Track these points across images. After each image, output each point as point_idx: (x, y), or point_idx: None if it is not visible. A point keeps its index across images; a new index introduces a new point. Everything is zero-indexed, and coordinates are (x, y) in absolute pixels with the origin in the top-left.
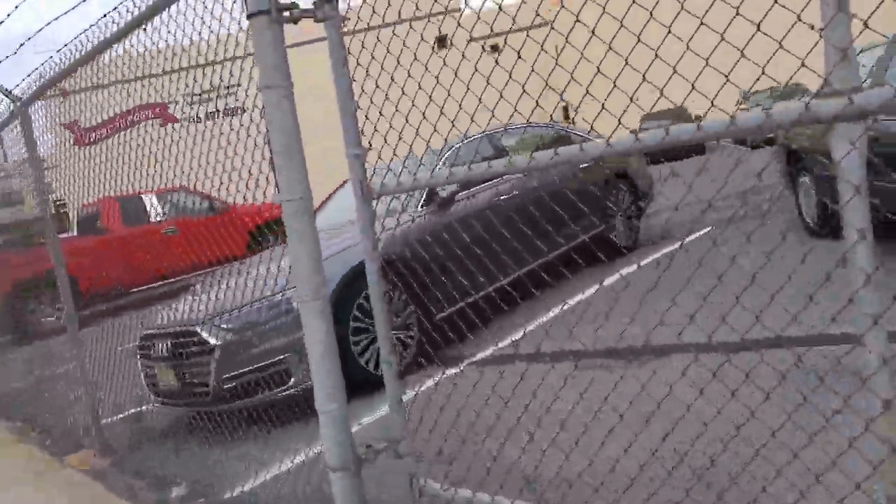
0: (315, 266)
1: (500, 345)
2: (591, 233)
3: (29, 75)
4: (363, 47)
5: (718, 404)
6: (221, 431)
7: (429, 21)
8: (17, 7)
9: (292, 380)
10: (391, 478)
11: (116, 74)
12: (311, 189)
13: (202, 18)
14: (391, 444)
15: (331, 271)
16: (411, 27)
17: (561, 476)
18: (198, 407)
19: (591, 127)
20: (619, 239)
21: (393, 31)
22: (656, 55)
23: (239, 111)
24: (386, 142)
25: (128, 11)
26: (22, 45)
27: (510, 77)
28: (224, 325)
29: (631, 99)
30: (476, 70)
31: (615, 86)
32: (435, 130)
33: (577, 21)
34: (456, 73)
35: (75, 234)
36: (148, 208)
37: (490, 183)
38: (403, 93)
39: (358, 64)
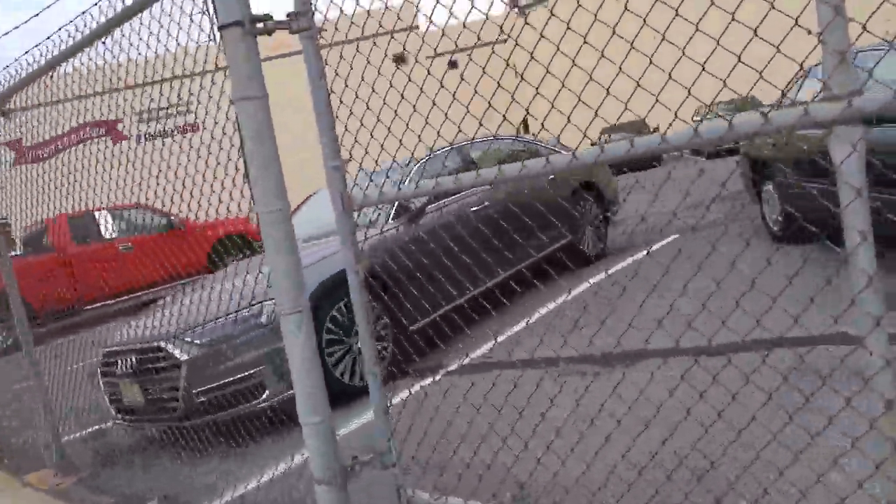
0: (295, 277)
1: (475, 354)
2: (561, 242)
3: None
4: (342, 58)
5: (697, 405)
6: (191, 446)
7: (392, 37)
8: None
9: (266, 393)
10: (377, 489)
11: (66, 91)
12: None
13: (157, 36)
14: (377, 456)
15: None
16: (375, 43)
17: (554, 482)
18: (166, 423)
19: (559, 139)
20: (588, 248)
21: (357, 48)
22: (621, 69)
23: (193, 128)
24: (351, 156)
25: (86, 25)
26: None
27: (476, 92)
28: (191, 340)
29: (596, 113)
30: (442, 85)
31: (580, 99)
32: (401, 144)
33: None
34: (422, 89)
35: (19, 253)
36: (101, 225)
37: (459, 195)
38: (368, 107)
39: (336, 74)
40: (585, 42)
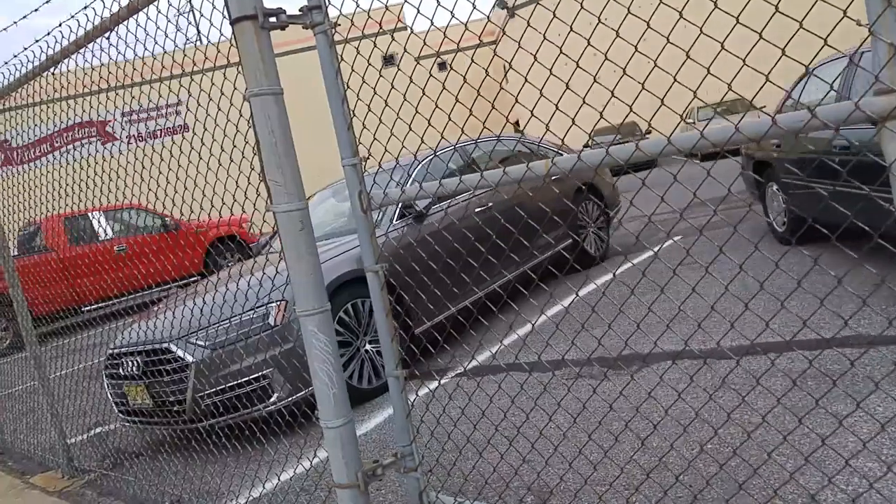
0: (315, 277)
1: (482, 357)
2: (564, 243)
3: None
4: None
5: (698, 406)
6: (203, 448)
7: (393, 38)
8: None
9: (274, 396)
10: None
11: (60, 92)
12: None
13: (154, 37)
14: (399, 460)
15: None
16: (375, 43)
17: (564, 485)
18: (173, 425)
19: (563, 141)
20: (591, 249)
21: (357, 48)
22: (626, 72)
23: (182, 129)
24: (370, 154)
25: (88, 20)
26: None
27: (479, 94)
28: (199, 342)
29: (601, 115)
30: (445, 88)
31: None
32: (403, 146)
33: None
34: (419, 90)
35: (14, 255)
36: (96, 227)
37: (462, 196)
38: (369, 109)
39: (353, 71)
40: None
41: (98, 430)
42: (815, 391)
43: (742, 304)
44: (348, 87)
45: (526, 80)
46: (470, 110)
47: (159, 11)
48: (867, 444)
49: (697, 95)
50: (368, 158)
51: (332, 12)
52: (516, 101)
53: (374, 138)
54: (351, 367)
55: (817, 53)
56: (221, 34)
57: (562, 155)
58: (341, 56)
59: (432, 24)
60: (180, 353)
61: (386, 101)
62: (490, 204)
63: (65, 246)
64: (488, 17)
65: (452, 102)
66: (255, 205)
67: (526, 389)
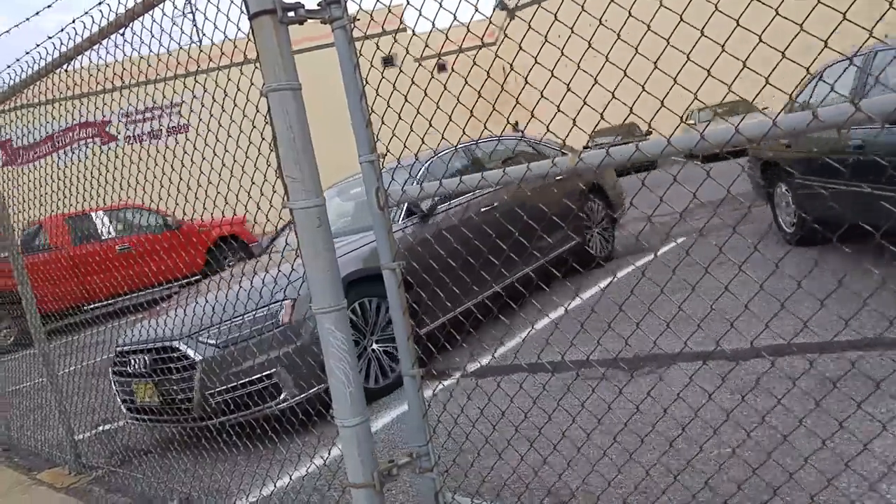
0: (332, 274)
1: (489, 357)
2: (569, 245)
3: None
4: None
5: (725, 410)
6: (212, 446)
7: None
8: None
9: (283, 394)
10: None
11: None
12: None
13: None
14: (414, 459)
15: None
16: (378, 46)
17: (586, 487)
18: (180, 423)
19: (564, 141)
20: (596, 251)
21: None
22: (627, 73)
23: (183, 128)
24: (388, 151)
25: (93, 22)
26: None
27: (479, 94)
28: (206, 340)
29: (601, 116)
30: (471, 86)
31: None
32: (423, 143)
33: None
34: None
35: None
36: (98, 226)
37: (468, 196)
38: (388, 105)
39: (371, 65)
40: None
41: (105, 427)
42: (855, 394)
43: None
44: (367, 82)
45: (526, 81)
46: (472, 113)
47: (175, 7)
48: None
49: (698, 97)
50: (386, 155)
51: (351, 8)
52: (517, 102)
53: (394, 134)
54: (358, 368)
55: (817, 56)
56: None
57: (565, 155)
58: (360, 50)
59: (434, 26)
60: (188, 351)
61: (406, 97)
62: (495, 204)
63: (68, 245)
64: (490, 19)
65: (464, 101)
66: (258, 204)
67: (548, 390)
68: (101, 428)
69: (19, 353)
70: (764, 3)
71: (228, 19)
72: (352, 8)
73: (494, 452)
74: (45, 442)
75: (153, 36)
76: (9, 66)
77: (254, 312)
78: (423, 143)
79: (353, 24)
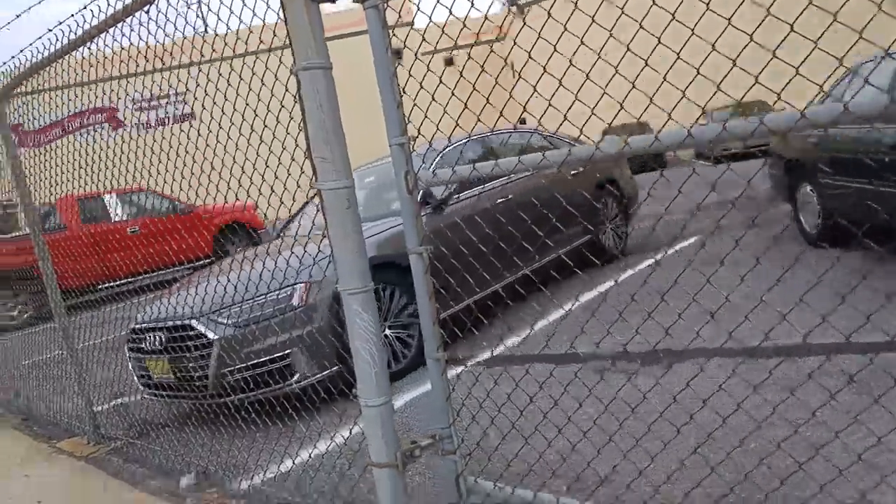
0: (361, 256)
1: (501, 347)
2: (583, 238)
3: (4, 64)
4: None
5: (771, 403)
6: (229, 422)
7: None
8: None
9: (296, 375)
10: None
11: (81, 75)
12: None
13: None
14: (437, 441)
15: (330, 266)
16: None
17: (609, 476)
18: (194, 399)
19: (581, 131)
20: (609, 246)
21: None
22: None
23: (189, 117)
24: (420, 133)
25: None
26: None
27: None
28: (222, 320)
29: (622, 105)
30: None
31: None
32: (457, 125)
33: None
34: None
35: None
36: (108, 208)
37: (482, 187)
38: (421, 86)
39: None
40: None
41: (119, 400)
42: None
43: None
44: (400, 63)
45: (535, 88)
46: (488, 101)
47: None
48: None
49: (720, 88)
50: (417, 138)
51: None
52: (524, 106)
53: (426, 116)
54: (382, 348)
55: (848, 51)
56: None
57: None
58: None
59: (436, 25)
60: (203, 329)
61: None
62: (509, 196)
63: (79, 225)
64: (486, 15)
65: (474, 96)
66: (272, 187)
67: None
68: (118, 400)
69: (38, 326)
70: None
71: (244, 5)
72: None
73: (519, 438)
74: (65, 412)
75: (168, 19)
76: (31, 44)
77: (266, 294)
78: (436, 130)
79: (385, 4)
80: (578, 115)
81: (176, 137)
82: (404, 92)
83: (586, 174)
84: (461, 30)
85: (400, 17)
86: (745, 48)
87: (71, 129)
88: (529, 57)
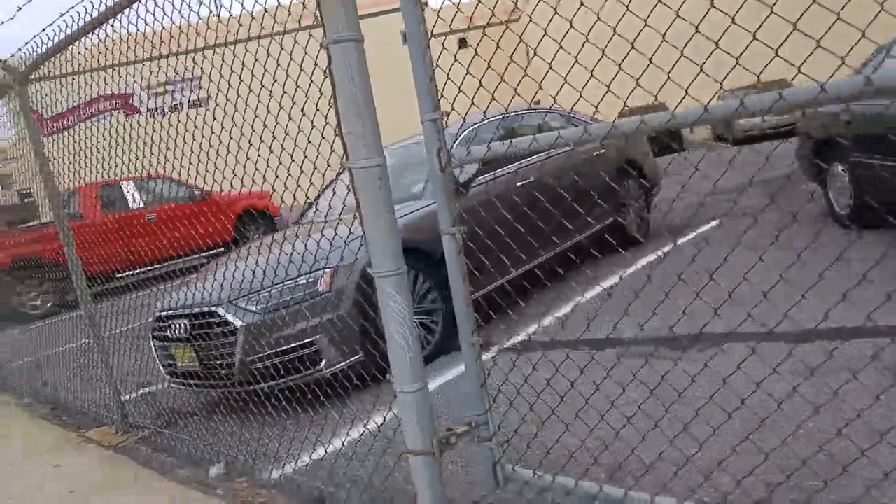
0: (393, 236)
1: (526, 332)
2: (606, 222)
3: (20, 49)
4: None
5: (830, 388)
6: (259, 410)
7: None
8: None
9: (323, 362)
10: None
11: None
12: None
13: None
14: (473, 428)
15: (354, 252)
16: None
17: (647, 461)
18: (220, 388)
19: (597, 109)
20: (632, 229)
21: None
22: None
23: (204, 102)
24: (453, 108)
25: None
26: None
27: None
28: (247, 307)
29: (639, 95)
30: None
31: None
32: (493, 98)
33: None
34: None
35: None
36: (126, 195)
37: (506, 168)
38: (455, 59)
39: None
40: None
41: (146, 389)
42: None
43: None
44: (433, 35)
45: (550, 66)
46: (504, 81)
47: None
48: None
49: (739, 62)
50: (451, 113)
51: None
52: (540, 84)
53: (459, 90)
54: (416, 332)
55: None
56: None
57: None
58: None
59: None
60: (228, 316)
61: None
62: (531, 178)
63: (99, 213)
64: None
65: (490, 76)
66: (289, 171)
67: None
68: (145, 389)
69: (60, 315)
70: None
71: None
72: None
73: (558, 425)
74: (92, 402)
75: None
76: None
77: (291, 280)
78: (451, 109)
79: None
80: (595, 94)
81: (192, 121)
82: (438, 65)
83: (608, 156)
84: (476, 7)
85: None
86: (765, 20)
87: (86, 115)
88: (545, 34)
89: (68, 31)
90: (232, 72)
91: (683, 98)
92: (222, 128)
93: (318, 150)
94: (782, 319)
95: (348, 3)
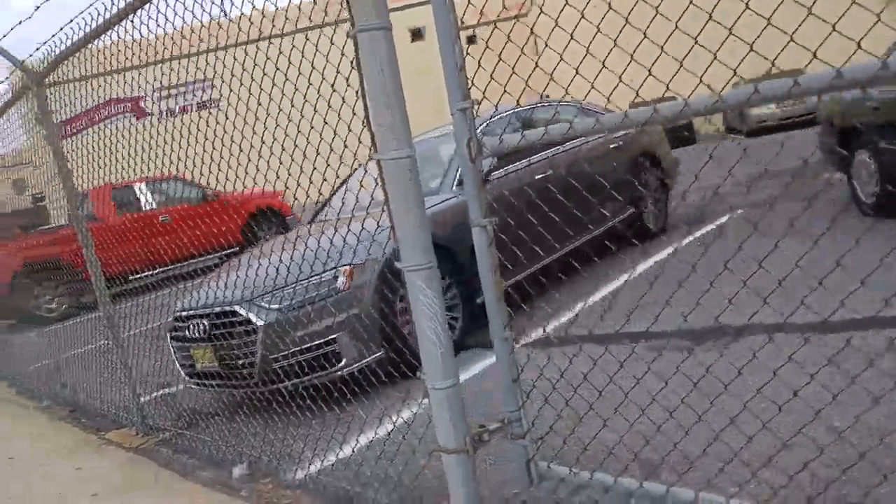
0: (423, 230)
1: (548, 327)
2: (624, 215)
3: (38, 49)
4: None
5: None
6: (283, 410)
7: None
8: None
9: (343, 360)
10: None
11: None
12: None
13: None
14: (506, 425)
15: (373, 249)
16: None
17: (679, 456)
18: (240, 388)
19: (608, 100)
20: (649, 221)
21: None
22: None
23: (216, 102)
24: (485, 96)
25: None
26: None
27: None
28: (267, 305)
29: (651, 87)
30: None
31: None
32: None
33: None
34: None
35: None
36: (138, 196)
37: (523, 162)
38: (487, 46)
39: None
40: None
41: (167, 390)
42: None
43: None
44: (463, 21)
45: (561, 56)
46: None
47: None
48: None
49: (753, 48)
50: (481, 102)
51: None
52: (551, 75)
53: (492, 78)
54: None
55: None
56: None
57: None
58: None
59: None
60: (249, 315)
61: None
62: (549, 172)
63: (113, 215)
64: None
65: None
66: (302, 168)
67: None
68: (164, 391)
69: (77, 318)
70: None
71: None
72: None
73: (594, 420)
74: (112, 403)
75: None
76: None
77: (310, 279)
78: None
79: None
80: (607, 86)
81: (205, 121)
82: (467, 51)
83: (626, 148)
84: (486, 3)
85: None
86: (779, 5)
87: (97, 119)
88: (556, 25)
89: (81, 34)
90: (244, 70)
91: (697, 87)
92: (234, 127)
93: (331, 147)
94: (838, 307)
95: None
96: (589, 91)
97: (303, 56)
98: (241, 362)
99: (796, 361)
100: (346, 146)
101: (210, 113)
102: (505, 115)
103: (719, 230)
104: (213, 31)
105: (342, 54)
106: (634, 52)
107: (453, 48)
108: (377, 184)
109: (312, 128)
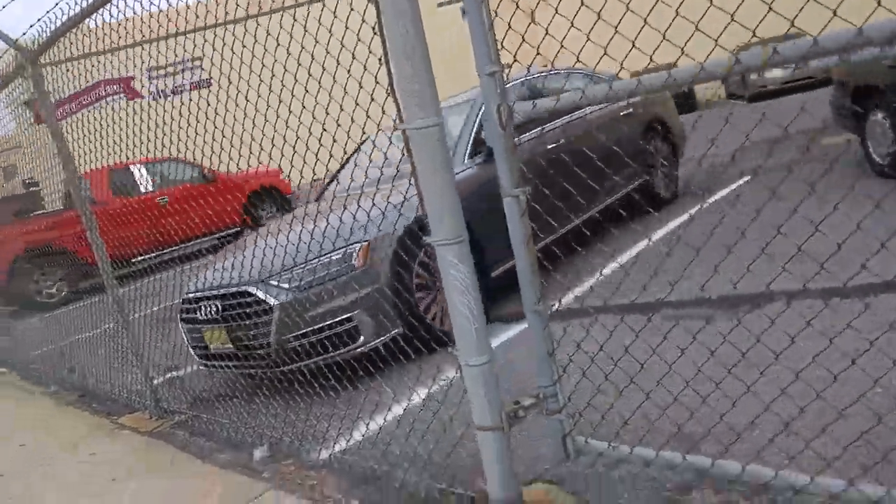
0: (454, 204)
1: (565, 299)
2: (636, 183)
3: (31, 26)
4: None
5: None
6: (305, 390)
7: None
8: None
9: (361, 338)
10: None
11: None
12: None
13: None
14: (541, 401)
15: (387, 225)
16: None
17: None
18: (255, 369)
19: (621, 65)
20: (660, 189)
21: None
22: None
23: (206, 83)
24: (516, 59)
25: None
26: None
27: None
28: (281, 285)
29: (658, 53)
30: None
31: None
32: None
33: None
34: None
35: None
36: (136, 178)
37: (535, 132)
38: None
39: None
40: None
41: (174, 373)
42: None
43: None
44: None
45: (572, 23)
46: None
47: None
48: None
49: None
50: (512, 65)
51: None
52: (562, 43)
53: (523, 39)
54: (434, 311)
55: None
56: None
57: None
58: None
59: None
60: (262, 296)
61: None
62: (561, 141)
63: (110, 197)
64: None
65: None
66: (307, 145)
67: (712, 324)
68: (172, 373)
69: (78, 302)
70: None
71: None
72: None
73: (631, 393)
74: (123, 387)
75: None
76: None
77: (324, 256)
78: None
79: None
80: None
81: (204, 100)
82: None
83: (636, 115)
84: None
85: None
86: None
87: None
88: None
89: (76, 10)
90: (244, 47)
91: (713, 49)
92: (236, 105)
93: (337, 121)
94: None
95: None
96: (602, 56)
97: (319, 24)
98: (255, 343)
99: (854, 328)
100: (353, 119)
101: (210, 92)
102: (524, 79)
103: (731, 198)
104: (212, 8)
105: (362, 20)
106: (647, 15)
107: (480, 9)
108: (386, 158)
109: (318, 103)
